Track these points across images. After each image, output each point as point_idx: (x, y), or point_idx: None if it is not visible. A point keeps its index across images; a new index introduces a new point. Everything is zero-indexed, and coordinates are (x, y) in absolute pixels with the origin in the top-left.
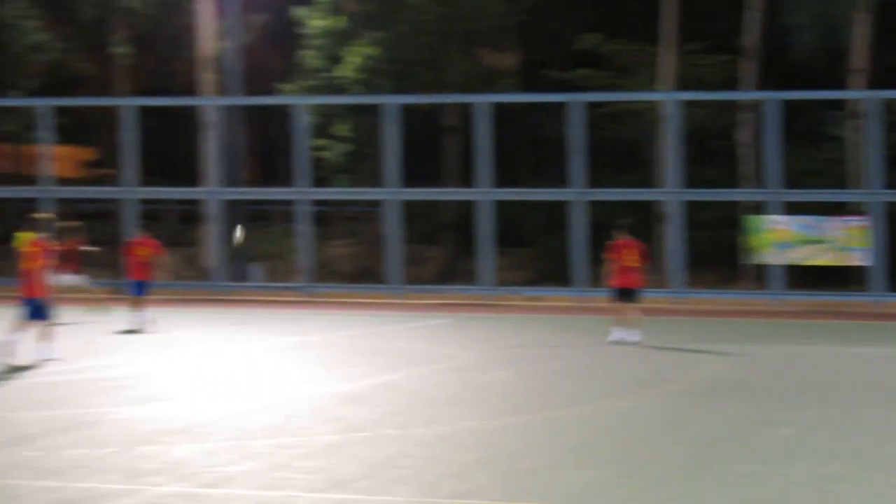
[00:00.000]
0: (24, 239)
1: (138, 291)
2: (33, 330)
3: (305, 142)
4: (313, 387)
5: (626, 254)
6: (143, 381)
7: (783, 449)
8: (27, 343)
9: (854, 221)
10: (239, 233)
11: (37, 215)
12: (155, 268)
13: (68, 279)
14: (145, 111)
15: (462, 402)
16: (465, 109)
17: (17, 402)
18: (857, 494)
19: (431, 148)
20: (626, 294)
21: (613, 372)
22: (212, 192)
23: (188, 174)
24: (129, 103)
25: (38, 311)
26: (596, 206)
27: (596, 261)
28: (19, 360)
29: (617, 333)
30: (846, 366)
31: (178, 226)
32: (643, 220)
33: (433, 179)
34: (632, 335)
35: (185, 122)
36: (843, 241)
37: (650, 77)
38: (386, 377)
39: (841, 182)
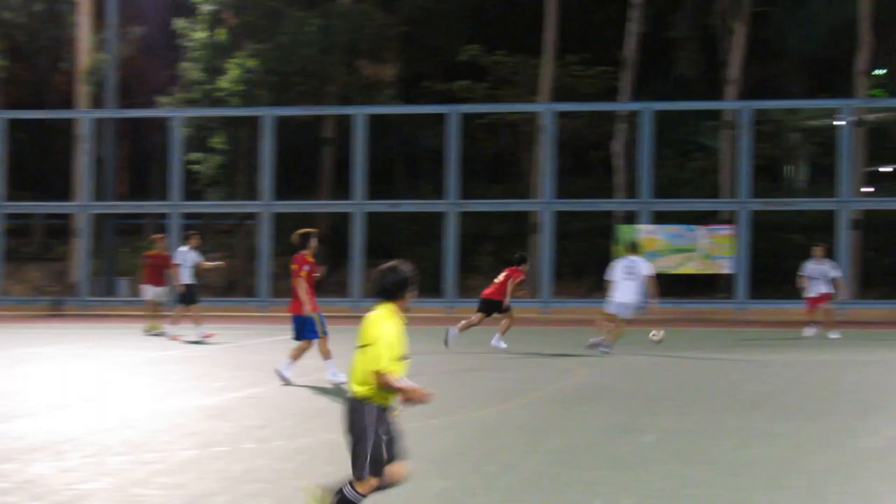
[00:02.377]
0: None
1: None
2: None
3: (179, 154)
4: (176, 401)
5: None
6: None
7: (643, 455)
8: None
9: (721, 230)
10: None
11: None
12: None
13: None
14: (16, 124)
15: (325, 415)
16: (343, 121)
17: None
18: (712, 499)
19: (308, 159)
20: (490, 305)
21: (479, 381)
22: (81, 205)
23: (60, 188)
24: None
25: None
26: (470, 216)
27: (466, 271)
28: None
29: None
30: (708, 372)
31: (47, 240)
32: (517, 231)
33: (310, 191)
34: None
35: (59, 135)
36: (710, 250)
37: (529, 88)
38: (250, 390)
39: (711, 191)
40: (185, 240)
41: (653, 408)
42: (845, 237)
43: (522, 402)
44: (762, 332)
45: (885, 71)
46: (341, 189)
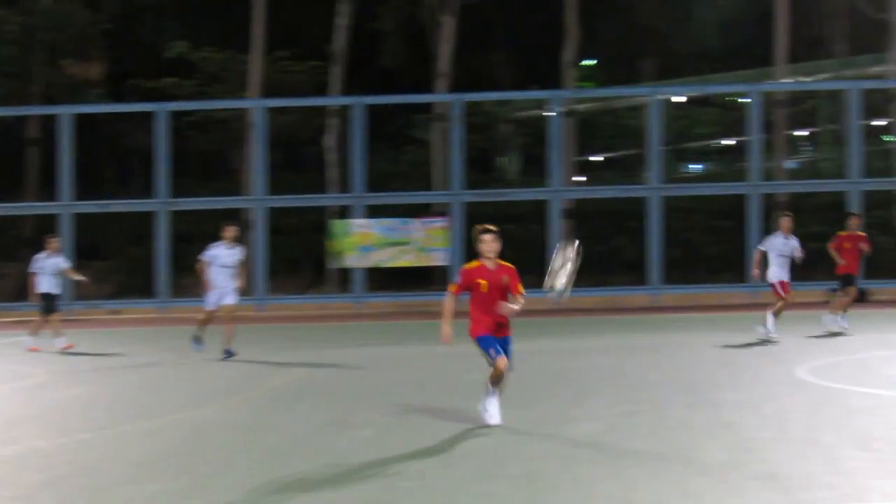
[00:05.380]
0: None
1: None
2: None
3: None
4: None
5: None
6: None
7: (360, 450)
8: None
9: (435, 222)
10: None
11: None
12: None
13: None
14: None
15: (33, 421)
16: (48, 121)
17: None
18: (430, 490)
19: (13, 161)
20: None
21: (193, 382)
22: None
23: None
24: None
25: None
26: (182, 215)
27: (179, 271)
28: None
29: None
30: (426, 364)
31: None
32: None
33: (15, 193)
34: None
35: None
36: (425, 242)
37: (239, 84)
38: None
39: (425, 184)
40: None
41: (370, 402)
42: (557, 226)
43: (237, 401)
44: None
45: (594, 62)
46: (48, 190)
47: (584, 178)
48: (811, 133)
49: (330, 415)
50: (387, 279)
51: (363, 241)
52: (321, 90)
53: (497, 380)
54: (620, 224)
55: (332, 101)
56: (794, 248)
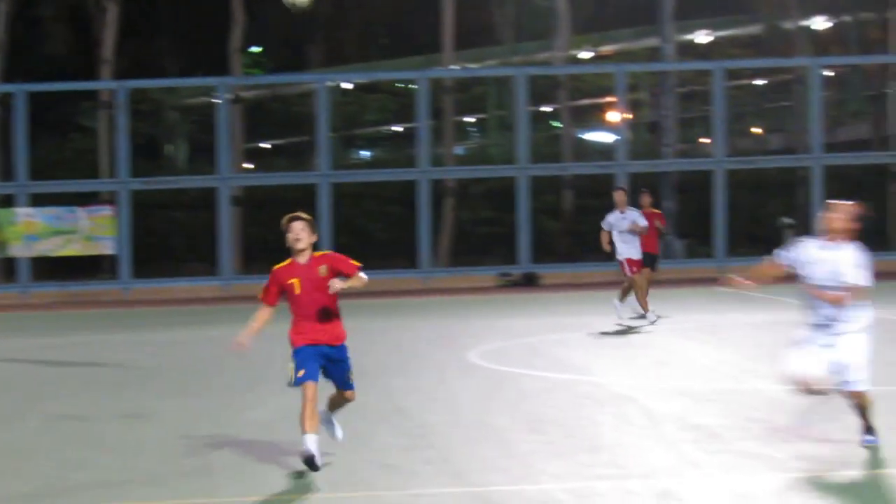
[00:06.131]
0: None
1: None
2: None
3: None
4: None
5: None
6: None
7: (27, 442)
8: None
9: (101, 210)
10: None
11: None
12: None
13: None
14: None
15: None
16: None
17: None
18: (98, 483)
19: None
20: None
21: None
22: None
23: None
24: None
25: None
26: None
27: None
28: None
29: None
30: (96, 354)
31: None
32: None
33: None
34: None
35: None
36: (91, 231)
37: None
38: None
39: (92, 172)
40: None
41: (39, 393)
42: (227, 213)
43: None
44: (147, 311)
45: (261, 48)
46: None
47: (252, 166)
48: (479, 119)
49: None
50: (53, 268)
51: (28, 230)
52: None
53: (333, 404)
54: (291, 211)
55: None
56: (632, 221)
